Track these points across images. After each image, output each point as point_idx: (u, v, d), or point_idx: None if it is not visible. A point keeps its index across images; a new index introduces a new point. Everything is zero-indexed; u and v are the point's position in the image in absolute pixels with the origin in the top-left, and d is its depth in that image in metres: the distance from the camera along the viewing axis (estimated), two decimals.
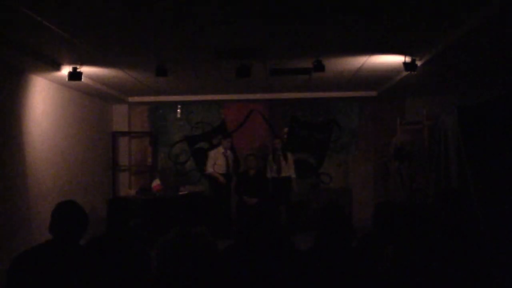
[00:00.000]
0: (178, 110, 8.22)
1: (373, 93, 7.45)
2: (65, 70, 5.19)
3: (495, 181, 4.72)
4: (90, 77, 5.88)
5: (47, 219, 2.41)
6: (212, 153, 7.20)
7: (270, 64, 5.44)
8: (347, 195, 7.69)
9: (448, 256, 2.45)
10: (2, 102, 4.77)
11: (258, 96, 7.68)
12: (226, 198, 7.10)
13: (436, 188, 5.69)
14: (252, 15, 3.65)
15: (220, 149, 7.17)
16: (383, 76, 6.14)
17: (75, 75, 5.16)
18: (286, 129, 8.13)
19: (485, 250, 2.98)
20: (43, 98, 5.58)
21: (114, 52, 4.76)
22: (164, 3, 3.37)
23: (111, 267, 2.54)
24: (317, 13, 3.63)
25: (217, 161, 7.08)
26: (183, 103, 8.10)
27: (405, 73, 5.38)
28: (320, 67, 5.03)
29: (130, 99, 7.77)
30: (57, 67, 5.12)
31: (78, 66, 5.15)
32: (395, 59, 5.09)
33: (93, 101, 7.13)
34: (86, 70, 5.35)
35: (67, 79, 5.19)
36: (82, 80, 5.29)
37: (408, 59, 4.93)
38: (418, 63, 4.97)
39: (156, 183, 7.33)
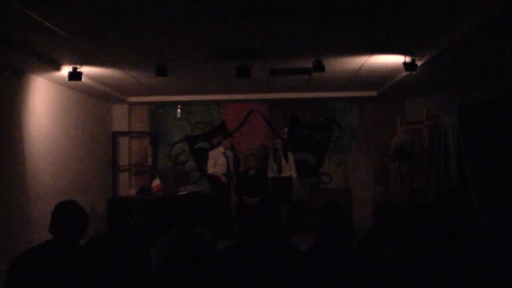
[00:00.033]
0: (178, 110, 8.22)
1: (373, 93, 7.46)
2: (65, 70, 5.19)
3: (495, 181, 4.72)
4: (90, 77, 5.88)
5: (47, 219, 2.41)
6: (212, 153, 7.19)
7: (270, 64, 5.44)
8: (347, 195, 7.69)
9: (448, 256, 2.45)
10: (2, 102, 4.77)
11: (258, 96, 7.68)
12: (226, 198, 7.10)
13: (436, 188, 5.69)
14: (252, 15, 3.65)
15: (220, 149, 7.17)
16: (383, 76, 6.14)
17: (75, 75, 5.16)
18: (286, 129, 8.13)
19: (485, 250, 2.98)
20: (43, 98, 5.58)
21: (114, 52, 4.76)
22: (164, 3, 3.37)
23: (111, 267, 2.54)
24: (317, 13, 3.63)
25: (217, 161, 7.07)
26: (183, 103, 8.10)
27: (405, 73, 5.38)
28: (320, 67, 5.03)
29: (130, 99, 7.77)
30: (57, 67, 5.12)
31: (78, 66, 5.15)
32: (395, 59, 5.10)
33: (93, 101, 7.13)
34: (86, 70, 5.35)
35: (67, 79, 5.19)
36: (82, 80, 5.29)
37: (408, 59, 4.93)
38: (418, 63, 4.98)
39: (156, 183, 7.33)
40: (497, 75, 5.66)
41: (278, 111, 8.18)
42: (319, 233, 2.62)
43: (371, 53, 4.93)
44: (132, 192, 7.52)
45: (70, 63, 5.11)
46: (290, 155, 7.22)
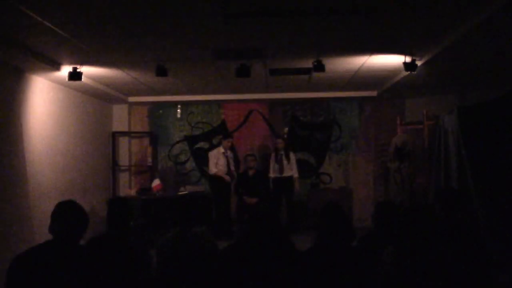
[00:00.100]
0: (178, 110, 8.23)
1: (373, 93, 7.46)
2: (65, 70, 5.19)
3: (495, 181, 4.72)
4: (90, 77, 5.88)
5: (47, 219, 2.41)
6: (212, 154, 7.19)
7: (270, 64, 5.44)
8: (347, 195, 7.69)
9: (448, 256, 2.45)
10: (2, 102, 4.77)
11: (258, 96, 7.68)
12: (226, 198, 7.10)
13: (436, 188, 5.68)
14: (252, 15, 3.65)
15: (220, 149, 7.16)
16: (383, 76, 6.14)
17: (75, 75, 5.16)
18: (286, 129, 8.13)
19: (485, 250, 2.98)
20: (43, 98, 5.58)
21: (114, 52, 4.76)
22: (164, 3, 3.37)
23: (111, 267, 2.54)
24: (317, 13, 3.63)
25: (217, 161, 7.07)
26: (183, 103, 8.11)
27: (405, 73, 5.38)
28: (320, 67, 5.03)
29: (130, 99, 7.77)
30: (57, 67, 5.12)
31: (78, 66, 5.15)
32: (395, 59, 5.09)
33: (93, 101, 7.13)
34: (86, 70, 5.35)
35: (67, 79, 5.19)
36: (82, 80, 5.29)
37: (408, 59, 4.93)
38: (418, 63, 4.98)
39: (156, 183, 7.33)
40: (497, 75, 5.66)
41: (278, 111, 8.18)
42: (319, 233, 2.62)
43: (371, 53, 4.93)
44: (132, 192, 7.53)
45: (70, 63, 5.11)
46: (291, 155, 7.22)
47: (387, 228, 3.00)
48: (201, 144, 8.18)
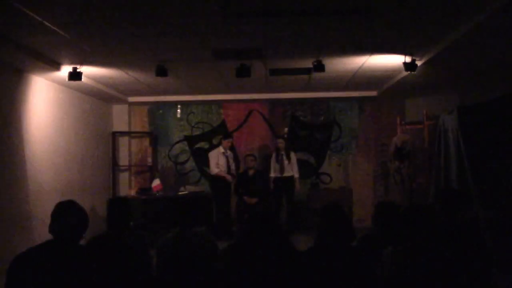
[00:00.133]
0: (178, 110, 8.23)
1: (373, 93, 7.46)
2: (65, 70, 5.19)
3: (495, 181, 4.72)
4: (90, 77, 5.88)
5: (47, 219, 2.41)
6: (212, 154, 7.19)
7: (270, 64, 5.44)
8: (347, 195, 7.69)
9: (448, 257, 2.45)
10: (2, 102, 4.77)
11: (258, 96, 7.69)
12: (226, 198, 7.10)
13: (436, 188, 5.68)
14: (252, 15, 3.65)
15: (220, 149, 7.16)
16: (383, 76, 6.14)
17: (75, 75, 5.16)
18: (286, 129, 8.13)
19: (485, 250, 2.98)
20: (43, 98, 5.58)
21: (114, 52, 4.76)
22: (164, 3, 3.37)
23: (111, 267, 2.54)
24: (317, 13, 3.63)
25: (218, 161, 7.07)
26: (183, 103, 8.11)
27: (405, 73, 5.38)
28: (320, 67, 5.03)
29: (130, 99, 7.77)
30: (57, 67, 5.12)
31: (78, 66, 5.15)
32: (395, 59, 5.10)
33: (93, 101, 7.13)
34: (86, 70, 5.35)
35: (67, 79, 5.19)
36: (82, 80, 5.29)
37: (408, 59, 4.93)
38: (418, 63, 4.98)
39: (156, 183, 7.33)
40: (497, 75, 5.66)
41: (278, 111, 8.18)
42: (319, 233, 2.62)
43: (371, 53, 4.93)
44: (132, 192, 7.53)
45: (70, 63, 5.11)
46: (292, 155, 7.22)
47: (387, 228, 2.99)
48: (201, 144, 8.18)
